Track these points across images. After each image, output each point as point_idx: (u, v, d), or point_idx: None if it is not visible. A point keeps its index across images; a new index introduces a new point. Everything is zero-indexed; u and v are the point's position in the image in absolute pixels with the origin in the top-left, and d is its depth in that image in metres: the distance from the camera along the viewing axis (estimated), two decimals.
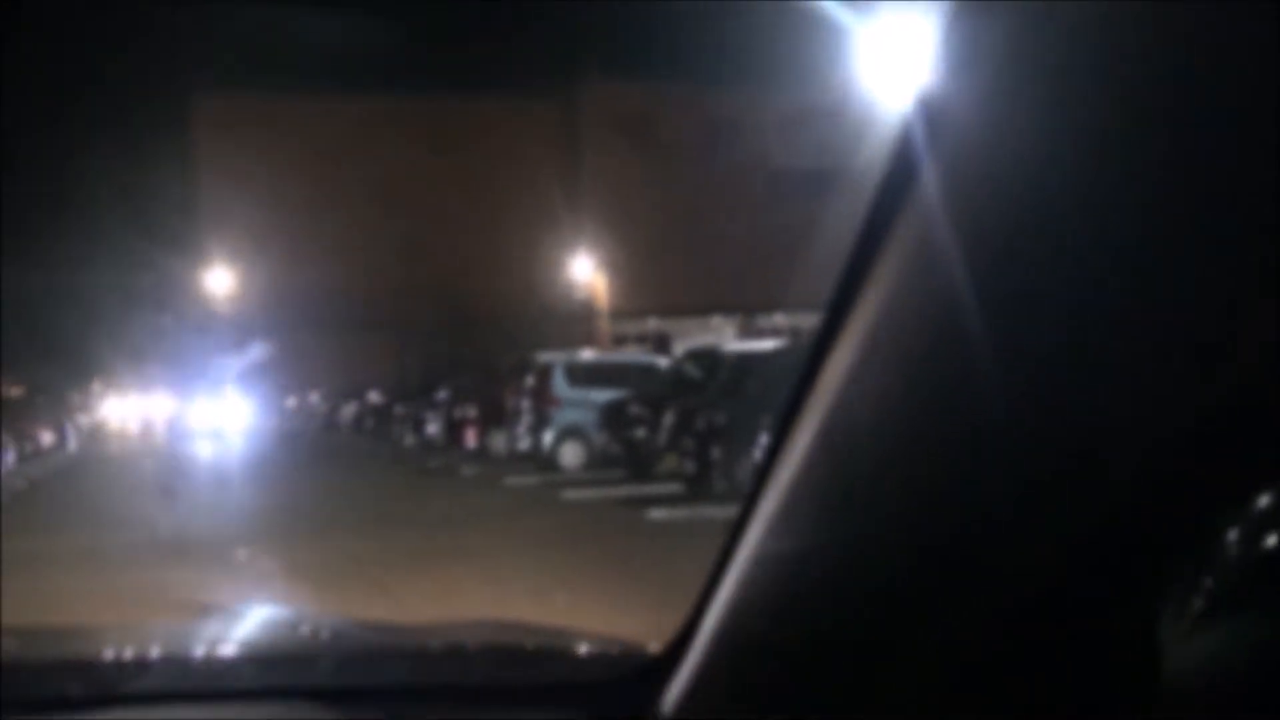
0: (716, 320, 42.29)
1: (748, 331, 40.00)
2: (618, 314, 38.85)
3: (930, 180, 0.71)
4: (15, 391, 35.64)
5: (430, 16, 47.63)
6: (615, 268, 35.81)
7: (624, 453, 14.20)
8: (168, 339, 44.97)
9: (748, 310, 42.47)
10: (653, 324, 41.95)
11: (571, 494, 13.13)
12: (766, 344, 14.62)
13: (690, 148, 43.01)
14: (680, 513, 10.55)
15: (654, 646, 1.21)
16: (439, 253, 41.32)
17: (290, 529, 11.13)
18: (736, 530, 0.93)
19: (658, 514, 10.74)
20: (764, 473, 0.90)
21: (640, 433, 13.71)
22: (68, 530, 11.45)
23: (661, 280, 39.47)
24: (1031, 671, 0.73)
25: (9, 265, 36.07)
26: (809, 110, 43.26)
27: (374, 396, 30.71)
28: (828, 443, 0.81)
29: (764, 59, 36.47)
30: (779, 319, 41.01)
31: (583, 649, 1.53)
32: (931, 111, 0.72)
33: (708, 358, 14.79)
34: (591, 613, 5.95)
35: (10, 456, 19.18)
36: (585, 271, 36.39)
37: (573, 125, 41.98)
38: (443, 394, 22.99)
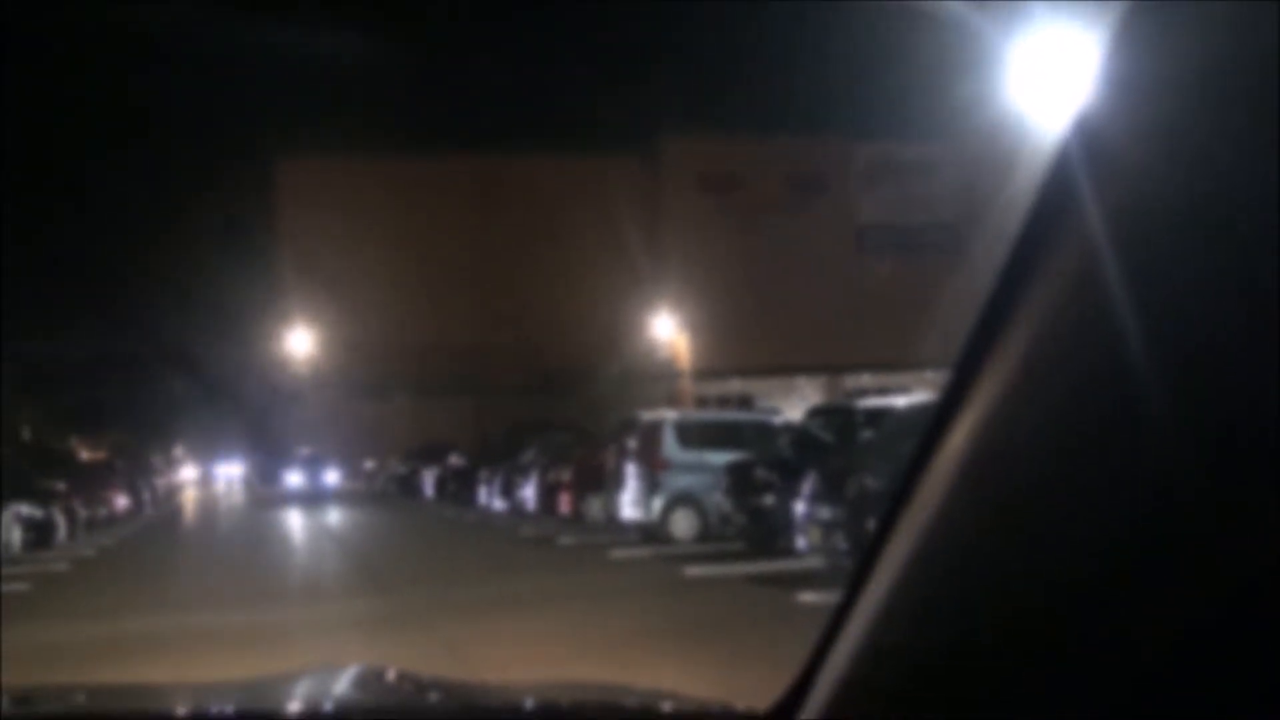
0: (801, 381, 40.70)
1: (834, 393, 38.36)
2: (700, 375, 37.45)
3: (1081, 224, 0.67)
4: (94, 455, 35.16)
5: (511, 77, 47.41)
6: (697, 327, 34.49)
7: (749, 523, 12.53)
8: (250, 403, 44.62)
9: (834, 371, 40.86)
10: (735, 385, 40.47)
11: (694, 570, 11.49)
12: (901, 400, 12.95)
13: (773, 203, 41.86)
14: (836, 595, 8.85)
15: (760, 706, 1.19)
16: (518, 312, 40.50)
17: (379, 614, 9.67)
18: (855, 584, 0.88)
19: (809, 597, 9.06)
20: (889, 523, 0.84)
21: (769, 500, 12.06)
22: (134, 610, 10.17)
23: (744, 340, 38.10)
24: None
25: (99, 332, 36.06)
26: (895, 163, 42.10)
27: (455, 459, 29.49)
28: (964, 500, 0.76)
29: (849, 110, 35.34)
30: (866, 379, 39.40)
31: (684, 709, 1.57)
32: (1085, 146, 0.68)
33: (840, 415, 13.15)
34: None
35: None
36: (667, 331, 35.05)
37: (654, 182, 41.10)
38: (529, 456, 21.69)
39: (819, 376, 41.60)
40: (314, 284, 39.13)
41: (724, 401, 37.75)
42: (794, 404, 28.52)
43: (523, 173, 41.01)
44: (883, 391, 23.60)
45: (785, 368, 40.32)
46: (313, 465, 38.00)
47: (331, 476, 38.18)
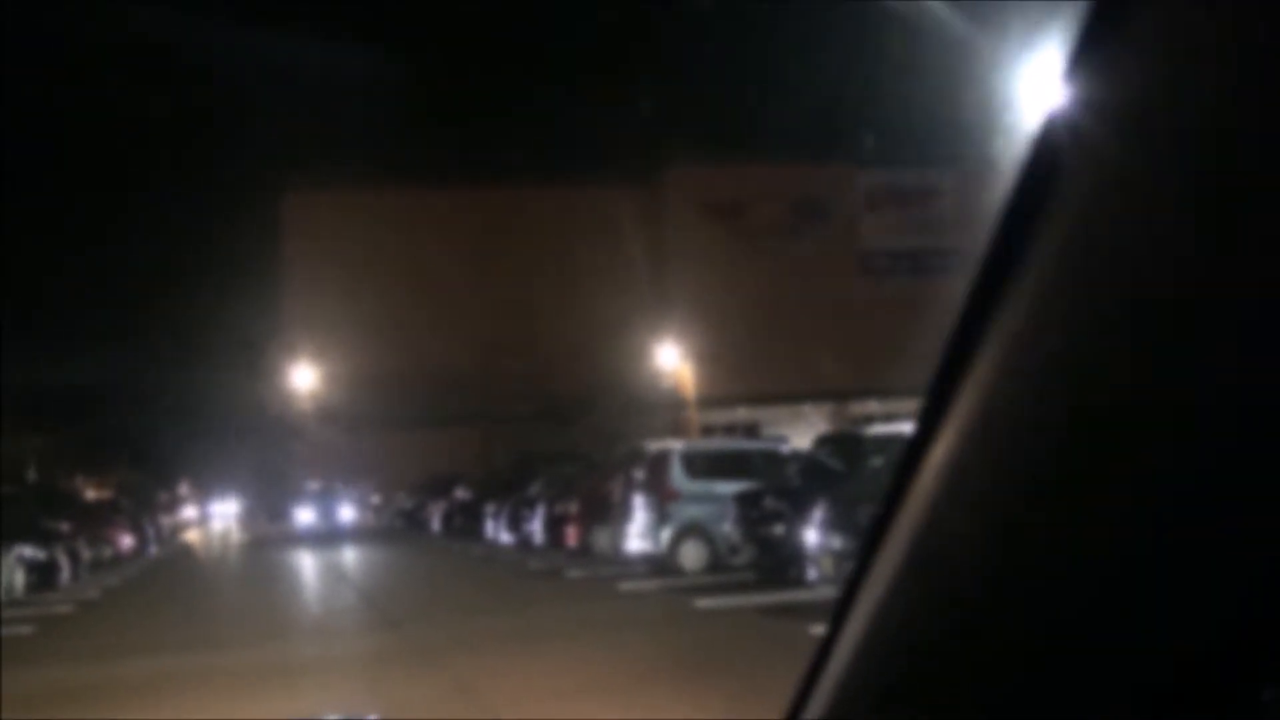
0: (807, 409, 40.52)
1: (841, 420, 38.18)
2: (705, 403, 37.32)
3: (1060, 219, 0.65)
4: (99, 493, 35.03)
5: (516, 106, 47.62)
6: (702, 355, 34.40)
7: (759, 553, 12.39)
8: (254, 437, 44.49)
9: (840, 397, 40.68)
10: (741, 413, 40.30)
11: (704, 602, 11.34)
12: (910, 426, 12.84)
13: (778, 229, 41.85)
14: None
15: None
16: (524, 343, 40.43)
17: (389, 651, 9.53)
18: (838, 615, 0.87)
19: (822, 629, 8.92)
20: (870, 550, 0.83)
21: (779, 530, 11.93)
22: (137, 652, 10.05)
23: (750, 368, 37.96)
24: None
25: (104, 370, 35.98)
26: (899, 188, 42.14)
27: (461, 493, 29.34)
28: (945, 517, 0.75)
29: (853, 136, 35.39)
30: (873, 405, 39.22)
31: None
32: (1058, 150, 0.66)
33: (849, 443, 13.03)
34: None
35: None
36: (672, 360, 34.99)
37: (658, 211, 41.11)
38: (535, 489, 21.55)
39: (825, 403, 41.44)
40: (319, 316, 39.13)
41: (730, 430, 37.60)
42: (801, 432, 28.37)
43: (528, 203, 41.11)
44: (890, 418, 23.48)
45: (791, 395, 40.16)
46: (325, 500, 36.35)
47: (347, 512, 36.44)
